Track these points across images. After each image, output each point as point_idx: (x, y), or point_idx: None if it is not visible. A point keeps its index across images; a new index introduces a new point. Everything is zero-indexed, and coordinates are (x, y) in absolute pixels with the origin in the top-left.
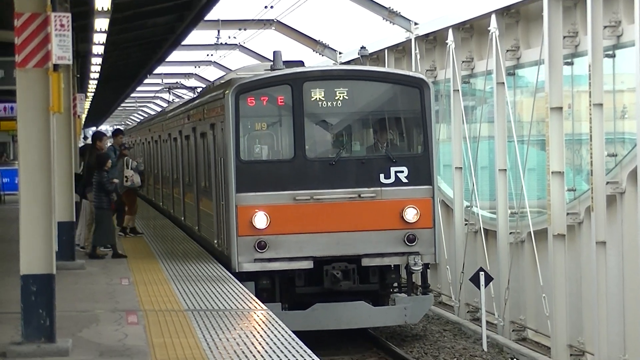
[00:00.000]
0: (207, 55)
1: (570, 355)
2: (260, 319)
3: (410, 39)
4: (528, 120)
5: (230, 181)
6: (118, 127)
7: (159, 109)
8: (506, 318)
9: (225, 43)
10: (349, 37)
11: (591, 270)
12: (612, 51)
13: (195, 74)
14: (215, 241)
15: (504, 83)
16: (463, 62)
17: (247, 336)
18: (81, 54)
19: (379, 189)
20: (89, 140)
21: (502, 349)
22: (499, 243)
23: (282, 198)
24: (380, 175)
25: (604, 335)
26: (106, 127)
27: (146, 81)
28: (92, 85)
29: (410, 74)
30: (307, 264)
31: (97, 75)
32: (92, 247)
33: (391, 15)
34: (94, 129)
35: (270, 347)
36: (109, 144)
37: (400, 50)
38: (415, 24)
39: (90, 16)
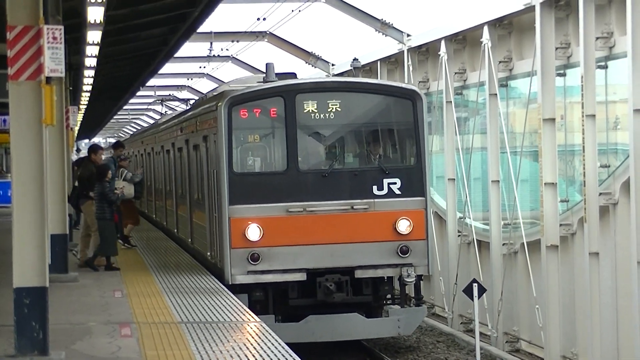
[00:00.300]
0: (200, 67)
1: None
2: (254, 331)
3: (403, 51)
4: (521, 131)
5: (223, 193)
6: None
7: (151, 121)
8: (499, 329)
9: (218, 55)
10: (341, 49)
11: (584, 281)
12: (604, 62)
13: (188, 86)
14: (209, 253)
15: (496, 94)
16: (456, 73)
17: (240, 348)
18: (74, 66)
19: (372, 200)
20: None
21: None
22: (492, 254)
23: (275, 210)
24: (373, 186)
25: (597, 346)
26: (99, 140)
27: (139, 93)
28: (85, 98)
29: (403, 85)
30: (301, 276)
31: (89, 88)
32: (93, 256)
33: (384, 27)
34: (87, 141)
35: (264, 359)
36: (106, 156)
37: (393, 61)
38: (408, 35)
39: (83, 28)
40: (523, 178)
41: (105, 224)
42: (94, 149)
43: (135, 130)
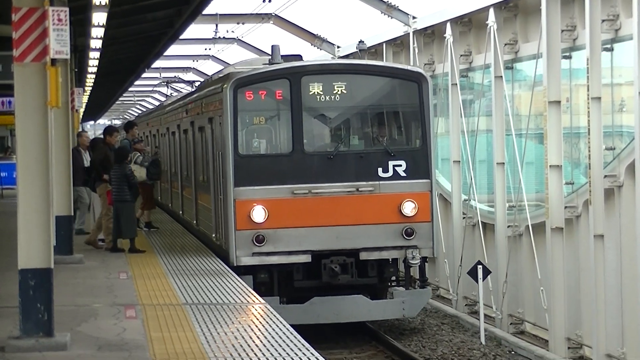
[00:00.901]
0: (205, 49)
1: (569, 348)
2: (259, 313)
3: (409, 33)
4: (526, 114)
5: (228, 175)
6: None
7: (157, 103)
8: (504, 311)
9: (224, 37)
10: (347, 31)
11: (589, 264)
12: (610, 45)
13: (194, 68)
14: (214, 235)
15: (502, 77)
16: (461, 55)
17: (245, 330)
18: (79, 48)
19: (377, 182)
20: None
21: (500, 342)
22: (497, 236)
23: (280, 192)
24: (379, 169)
25: (602, 328)
26: (104, 121)
27: (144, 75)
28: (90, 80)
29: (409, 68)
30: (306, 258)
31: (95, 70)
32: (114, 241)
33: (389, 9)
34: (92, 123)
35: (269, 341)
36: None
37: (399, 44)
38: (414, 17)
39: (88, 10)
40: (528, 160)
41: (126, 206)
42: (109, 130)
43: (140, 112)
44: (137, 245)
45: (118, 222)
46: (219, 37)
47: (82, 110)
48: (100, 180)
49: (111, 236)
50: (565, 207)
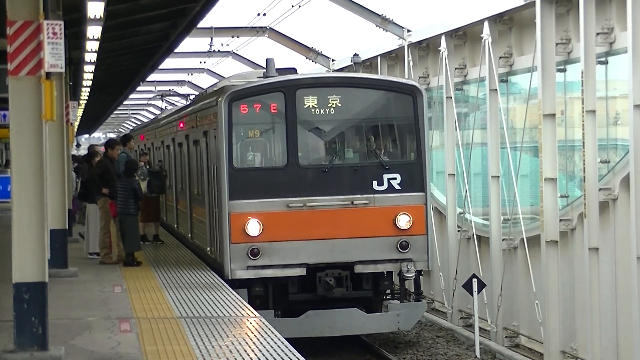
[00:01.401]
0: (200, 62)
1: None
2: (253, 326)
3: (403, 46)
4: (521, 126)
5: (223, 188)
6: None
7: (151, 117)
8: (499, 324)
9: (218, 50)
10: (342, 45)
11: (584, 277)
12: (604, 58)
13: (188, 82)
14: (208, 248)
15: (497, 90)
16: (456, 69)
17: (240, 343)
18: (74, 61)
19: (372, 196)
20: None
21: (495, 356)
22: (492, 249)
23: (275, 205)
24: (373, 182)
25: (597, 341)
26: (99, 135)
27: (139, 88)
28: (85, 93)
29: (404, 81)
30: (300, 271)
31: (90, 83)
32: (126, 255)
33: (384, 22)
34: (87, 136)
35: (264, 355)
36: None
37: (393, 57)
38: (408, 31)
39: (83, 24)
40: (523, 173)
41: (130, 219)
42: (111, 144)
43: (135, 125)
44: (134, 258)
45: (122, 235)
46: (214, 51)
47: (77, 123)
48: (100, 194)
49: (117, 249)
50: (560, 220)
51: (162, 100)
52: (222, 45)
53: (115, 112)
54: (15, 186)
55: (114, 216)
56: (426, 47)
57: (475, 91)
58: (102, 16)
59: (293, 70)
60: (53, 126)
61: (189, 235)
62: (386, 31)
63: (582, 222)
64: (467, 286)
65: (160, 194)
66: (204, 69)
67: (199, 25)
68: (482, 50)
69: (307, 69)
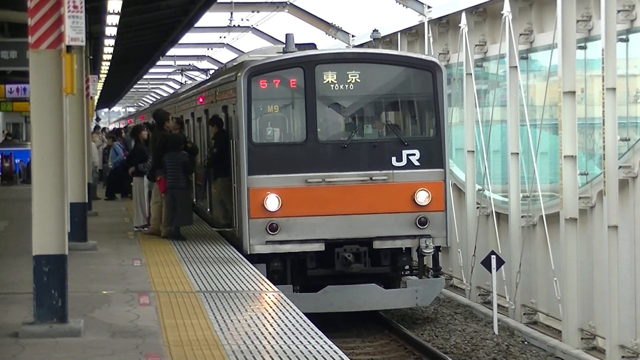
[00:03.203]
0: (220, 37)
1: (582, 339)
2: (272, 301)
3: (423, 23)
4: (541, 104)
5: (242, 163)
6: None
7: (171, 91)
8: (517, 301)
9: (238, 25)
10: (361, 20)
11: (603, 254)
12: (625, 35)
13: (208, 56)
14: (227, 223)
15: (517, 67)
16: (476, 45)
17: (258, 318)
18: (94, 35)
19: (391, 171)
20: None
21: (513, 332)
22: (511, 226)
23: (294, 180)
24: (392, 158)
25: (615, 319)
26: (119, 109)
27: (159, 63)
28: (105, 67)
29: (423, 57)
30: (319, 247)
31: (110, 57)
32: (175, 228)
33: None
34: (106, 110)
35: (282, 329)
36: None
37: (413, 33)
38: (429, 7)
39: None
40: (542, 151)
41: (181, 193)
42: (166, 116)
43: (154, 100)
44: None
45: (174, 209)
46: (234, 26)
47: (96, 97)
48: (161, 168)
49: (166, 223)
50: (580, 198)
51: (182, 75)
52: (242, 20)
53: (134, 87)
54: (35, 159)
55: (163, 191)
56: (446, 24)
57: (495, 68)
58: None
59: (312, 46)
60: (73, 100)
61: (208, 209)
62: (406, 7)
63: (601, 200)
64: (486, 263)
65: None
66: (223, 43)
67: (219, 0)
68: (503, 27)
69: (326, 44)
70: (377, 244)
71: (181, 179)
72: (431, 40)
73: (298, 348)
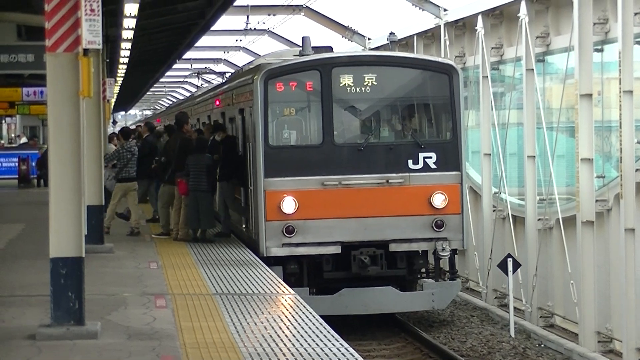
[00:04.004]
0: (236, 40)
1: (598, 342)
2: (288, 304)
3: (440, 25)
4: (557, 107)
5: (258, 166)
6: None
7: (187, 94)
8: (534, 304)
9: (254, 28)
10: (378, 23)
11: (620, 257)
12: None
13: (224, 59)
14: (244, 226)
15: (533, 70)
16: (492, 48)
17: (274, 320)
18: (111, 38)
19: (407, 174)
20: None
21: (529, 335)
22: (527, 229)
23: (310, 183)
24: (409, 161)
25: (632, 322)
26: (135, 112)
27: (175, 66)
28: (122, 70)
29: (440, 60)
30: (335, 249)
31: (126, 60)
32: (201, 232)
33: (420, 1)
34: (123, 113)
35: (298, 332)
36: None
37: (430, 36)
38: (445, 10)
39: (120, 1)
40: (559, 154)
41: (204, 195)
42: (185, 119)
43: (171, 102)
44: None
45: (195, 211)
46: (250, 29)
47: (113, 100)
48: (181, 171)
49: (184, 225)
50: (596, 201)
51: (198, 78)
52: (258, 23)
53: (151, 90)
54: (52, 162)
55: (184, 194)
56: (462, 27)
57: (511, 71)
58: None
59: (329, 49)
60: (90, 103)
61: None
62: (422, 10)
63: (618, 203)
64: (502, 266)
65: None
66: (240, 47)
67: (236, 3)
68: (519, 30)
69: (343, 47)
70: (393, 247)
71: (203, 181)
72: (447, 43)
73: (314, 351)
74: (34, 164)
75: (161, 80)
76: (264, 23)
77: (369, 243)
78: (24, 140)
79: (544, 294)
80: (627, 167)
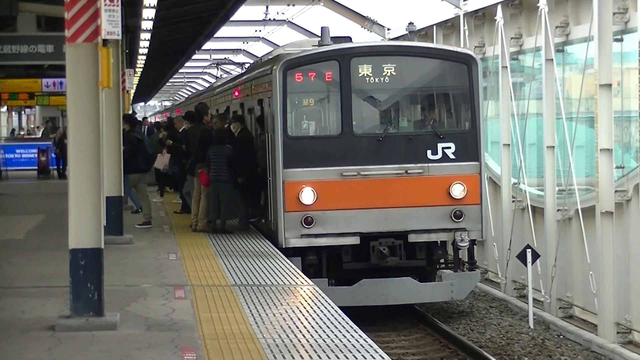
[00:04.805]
0: (256, 31)
1: (617, 333)
2: (307, 295)
3: (459, 15)
4: (577, 97)
5: (277, 157)
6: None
7: (207, 85)
8: (553, 295)
9: (274, 19)
10: (397, 14)
11: (639, 248)
12: None
13: (244, 50)
14: (263, 217)
15: (552, 60)
16: (512, 38)
17: (293, 311)
18: (130, 29)
19: (426, 165)
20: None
21: (548, 326)
22: (547, 220)
23: (329, 174)
24: (428, 151)
25: None
26: (154, 103)
27: (195, 57)
28: (141, 61)
29: (459, 50)
30: (354, 240)
31: (145, 51)
32: (222, 222)
33: None
34: (142, 104)
35: (317, 323)
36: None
37: (449, 26)
38: (464, 0)
39: None
40: (578, 144)
41: (225, 186)
42: (205, 110)
43: (190, 93)
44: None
45: (218, 202)
46: (269, 19)
47: (132, 91)
48: (202, 162)
49: (203, 215)
50: (616, 191)
51: (218, 69)
52: (277, 13)
53: (170, 81)
54: (72, 153)
55: (205, 184)
56: (482, 17)
57: (530, 61)
58: None
59: (348, 39)
60: (109, 93)
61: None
62: (442, 0)
63: (637, 194)
64: (521, 257)
65: None
66: (259, 37)
67: None
68: (539, 20)
69: (362, 38)
70: (412, 237)
71: (224, 172)
72: (467, 33)
73: (333, 342)
74: (53, 154)
75: (180, 71)
76: (283, 13)
77: (388, 234)
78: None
79: (563, 285)
80: None
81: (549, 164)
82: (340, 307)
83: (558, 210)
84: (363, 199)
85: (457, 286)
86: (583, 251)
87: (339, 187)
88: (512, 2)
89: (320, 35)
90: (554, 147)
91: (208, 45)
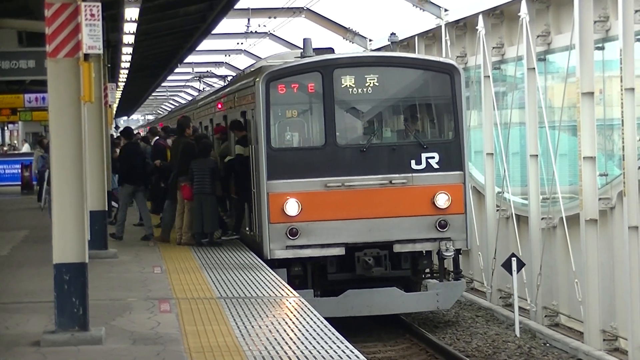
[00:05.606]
0: (238, 43)
1: (604, 340)
2: (293, 306)
3: (441, 26)
4: (559, 105)
5: (261, 168)
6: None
7: (189, 98)
8: (539, 304)
9: (256, 31)
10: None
11: (624, 255)
12: None
13: (226, 63)
14: (247, 228)
15: (534, 69)
16: (493, 48)
17: (279, 323)
18: (112, 43)
19: (410, 175)
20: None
21: (534, 335)
22: (531, 229)
23: (313, 185)
24: (411, 161)
25: (637, 319)
26: (137, 117)
27: (177, 70)
28: (123, 75)
29: (441, 60)
30: (339, 251)
31: (127, 65)
32: (198, 235)
33: (421, 2)
34: (125, 118)
35: (303, 334)
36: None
37: (431, 36)
38: (445, 10)
39: (121, 5)
40: (562, 152)
41: (208, 199)
42: (187, 123)
43: (173, 107)
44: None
45: (200, 215)
46: (251, 32)
47: (115, 105)
48: (185, 175)
49: (187, 229)
50: (600, 199)
51: (200, 82)
52: (259, 26)
53: (153, 94)
54: (55, 168)
55: (188, 198)
56: (463, 27)
57: (513, 70)
58: None
59: (330, 51)
60: (92, 108)
61: None
62: (423, 10)
63: (621, 201)
64: (507, 265)
65: None
66: (241, 50)
67: (236, 7)
68: (520, 29)
69: (344, 49)
70: (397, 248)
71: (207, 185)
72: (449, 43)
73: (319, 353)
74: (36, 171)
75: (163, 84)
76: (264, 26)
77: (373, 244)
78: (26, 147)
79: (549, 293)
80: (629, 165)
81: (533, 172)
82: (326, 318)
83: (542, 218)
84: (347, 210)
85: (443, 296)
86: (568, 259)
87: (323, 198)
88: (493, 11)
89: (302, 47)
90: (537, 155)
91: (190, 58)
